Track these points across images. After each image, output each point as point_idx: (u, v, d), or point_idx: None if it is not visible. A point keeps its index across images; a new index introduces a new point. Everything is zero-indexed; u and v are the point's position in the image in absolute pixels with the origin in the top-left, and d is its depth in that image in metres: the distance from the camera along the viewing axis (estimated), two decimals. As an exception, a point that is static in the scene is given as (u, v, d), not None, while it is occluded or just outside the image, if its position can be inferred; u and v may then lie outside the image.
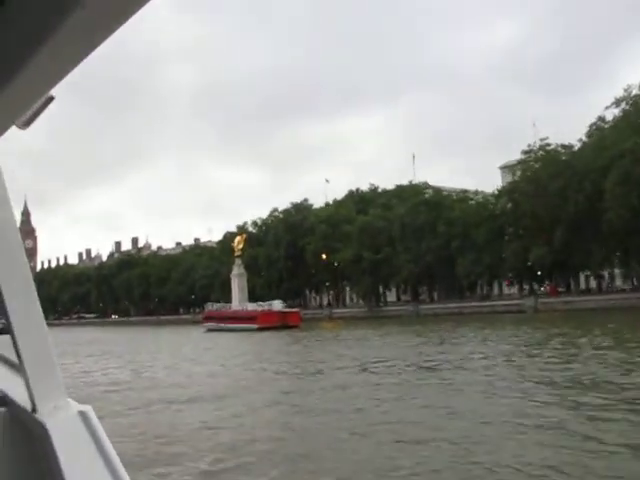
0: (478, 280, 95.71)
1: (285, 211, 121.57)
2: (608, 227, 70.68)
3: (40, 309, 2.19)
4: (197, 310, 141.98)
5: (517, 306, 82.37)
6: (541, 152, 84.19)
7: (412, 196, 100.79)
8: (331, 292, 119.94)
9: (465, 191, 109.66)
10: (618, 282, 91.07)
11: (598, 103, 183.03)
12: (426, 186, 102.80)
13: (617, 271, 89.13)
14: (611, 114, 79.67)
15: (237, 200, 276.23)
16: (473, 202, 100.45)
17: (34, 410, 2.15)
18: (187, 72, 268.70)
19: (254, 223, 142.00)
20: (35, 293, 2.16)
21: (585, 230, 75.47)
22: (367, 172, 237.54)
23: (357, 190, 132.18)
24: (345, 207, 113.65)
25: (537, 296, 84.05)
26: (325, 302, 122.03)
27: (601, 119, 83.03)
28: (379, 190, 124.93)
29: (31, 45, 1.29)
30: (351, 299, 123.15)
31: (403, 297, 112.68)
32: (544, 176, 79.14)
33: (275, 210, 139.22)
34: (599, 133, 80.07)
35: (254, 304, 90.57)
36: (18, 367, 2.33)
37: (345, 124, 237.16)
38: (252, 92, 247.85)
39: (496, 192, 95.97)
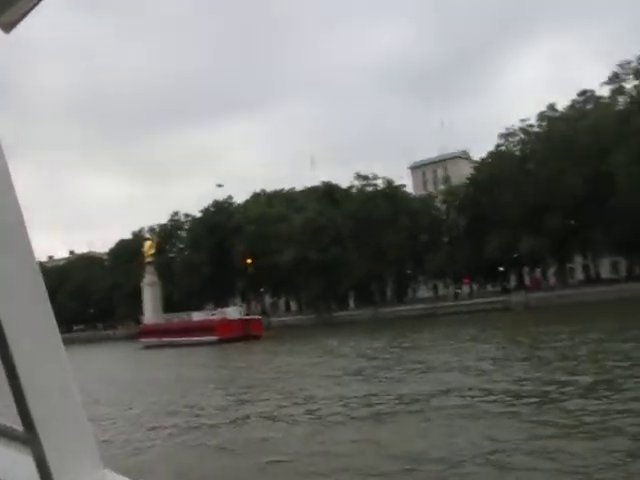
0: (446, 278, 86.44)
1: (205, 211, 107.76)
2: (613, 211, 63.97)
3: (59, 336, 1.39)
4: (103, 325, 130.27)
5: (501, 303, 74.32)
6: (521, 135, 77.10)
7: (362, 190, 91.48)
8: (267, 298, 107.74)
9: (403, 185, 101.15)
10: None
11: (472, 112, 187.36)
12: (375, 177, 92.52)
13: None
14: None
15: (109, 210, 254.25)
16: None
17: None
18: (63, 73, 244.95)
19: (151, 229, 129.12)
20: (52, 314, 1.36)
21: (583, 216, 68.88)
22: (246, 178, 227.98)
23: (264, 192, 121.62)
24: (277, 206, 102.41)
25: (527, 290, 76.34)
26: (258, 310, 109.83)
27: (552, 107, 78.71)
28: (285, 190, 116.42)
29: None
30: (287, 306, 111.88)
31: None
32: (532, 159, 71.85)
33: (175, 213, 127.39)
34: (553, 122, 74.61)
35: (201, 313, 78.15)
36: (10, 430, 1.53)
37: (221, 131, 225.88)
38: (127, 98, 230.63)
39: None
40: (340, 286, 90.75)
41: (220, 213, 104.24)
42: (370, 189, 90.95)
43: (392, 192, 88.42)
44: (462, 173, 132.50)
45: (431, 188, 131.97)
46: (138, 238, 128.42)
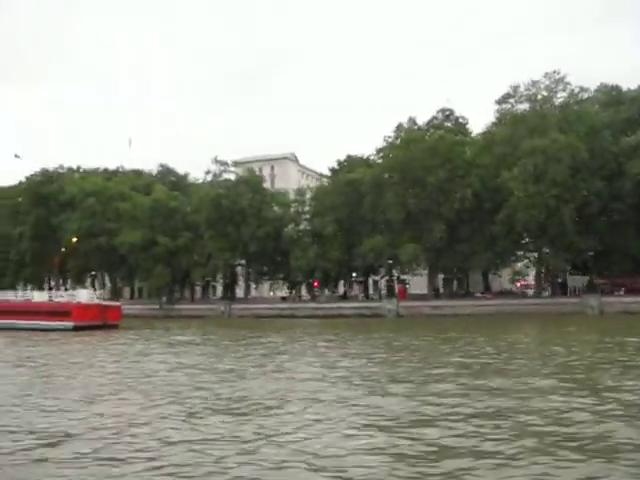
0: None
1: (31, 179, 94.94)
2: (507, 227, 64.22)
3: None
4: None
5: (369, 309, 71.85)
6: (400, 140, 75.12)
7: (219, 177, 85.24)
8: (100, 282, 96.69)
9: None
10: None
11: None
12: (235, 163, 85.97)
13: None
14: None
15: None
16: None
17: None
18: None
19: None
20: None
21: (466, 228, 68.52)
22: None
23: (79, 168, 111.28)
24: (118, 181, 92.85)
25: (398, 299, 74.16)
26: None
27: (412, 120, 78.63)
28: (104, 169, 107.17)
29: None
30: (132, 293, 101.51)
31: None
32: (417, 166, 69.72)
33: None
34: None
35: (42, 293, 66.77)
36: None
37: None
38: None
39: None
40: (189, 276, 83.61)
41: (47, 184, 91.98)
42: (230, 177, 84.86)
43: (256, 182, 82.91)
44: (289, 174, 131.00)
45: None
46: None
